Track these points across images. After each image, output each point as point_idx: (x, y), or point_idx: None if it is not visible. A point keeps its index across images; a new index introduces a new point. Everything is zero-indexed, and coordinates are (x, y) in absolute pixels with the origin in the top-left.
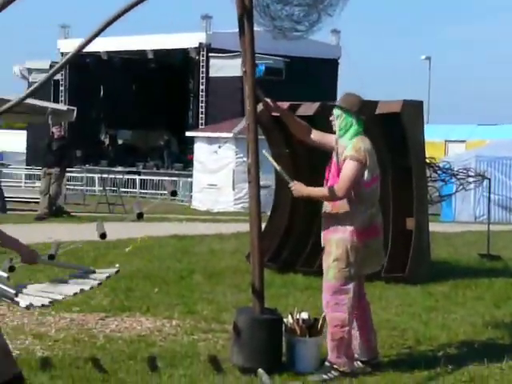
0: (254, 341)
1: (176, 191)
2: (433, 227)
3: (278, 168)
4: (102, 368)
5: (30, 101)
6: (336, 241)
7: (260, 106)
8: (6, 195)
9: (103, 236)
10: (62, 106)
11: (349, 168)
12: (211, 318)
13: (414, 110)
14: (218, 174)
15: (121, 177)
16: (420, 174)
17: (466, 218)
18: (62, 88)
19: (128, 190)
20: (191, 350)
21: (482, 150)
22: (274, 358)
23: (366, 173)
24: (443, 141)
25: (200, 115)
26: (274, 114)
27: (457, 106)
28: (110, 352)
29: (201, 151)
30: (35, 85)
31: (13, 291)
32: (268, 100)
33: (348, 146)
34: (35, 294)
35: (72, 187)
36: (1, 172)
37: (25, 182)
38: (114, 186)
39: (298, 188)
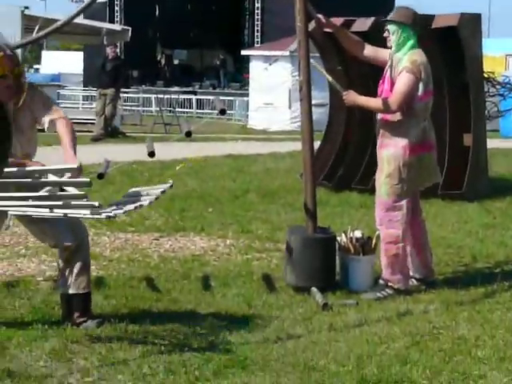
0: (307, 260)
1: (225, 109)
2: (491, 143)
3: (330, 78)
4: (156, 287)
5: (84, 21)
6: (388, 156)
7: (312, 23)
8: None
9: (152, 154)
10: (116, 26)
11: (403, 81)
12: (265, 237)
13: (471, 23)
14: (274, 93)
15: (177, 97)
16: (477, 90)
17: None
18: (117, 8)
19: (184, 110)
20: (245, 269)
21: None
22: (328, 277)
23: (420, 86)
24: (504, 55)
25: (256, 33)
26: (326, 30)
27: None
28: (163, 271)
29: (256, 70)
30: (83, 4)
31: (95, 203)
32: (320, 16)
33: (403, 58)
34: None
35: (129, 108)
36: (58, 93)
37: (82, 104)
38: (170, 107)
39: (352, 97)
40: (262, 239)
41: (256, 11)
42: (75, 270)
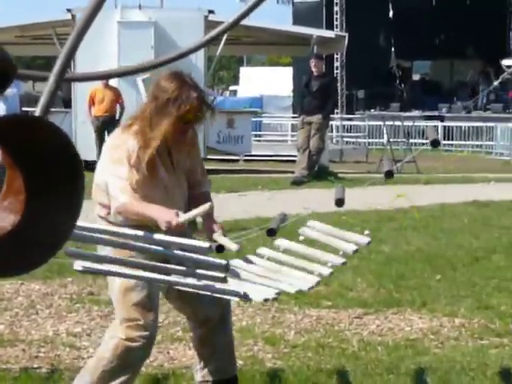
0: None
1: (438, 140)
2: None
3: None
4: None
5: (291, 28)
6: None
7: None
8: (263, 153)
9: (340, 202)
10: (329, 33)
11: None
12: (510, 315)
13: None
14: None
15: (417, 124)
16: None
17: None
18: (336, 8)
19: (426, 141)
20: (476, 360)
21: None
22: None
23: None
24: None
25: None
26: None
27: None
28: (364, 362)
29: None
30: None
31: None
32: None
33: None
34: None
35: (353, 140)
36: (260, 123)
37: (291, 135)
38: (406, 137)
39: None
40: (504, 318)
41: None
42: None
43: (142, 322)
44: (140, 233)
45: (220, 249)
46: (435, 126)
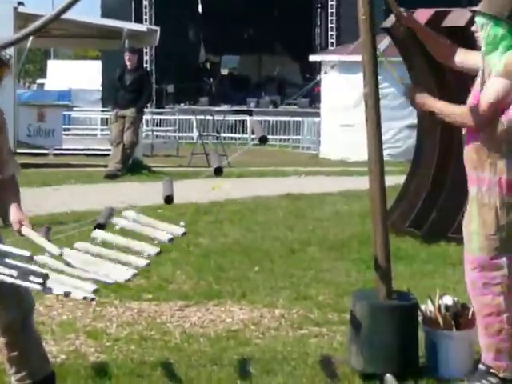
0: (378, 336)
1: (265, 136)
2: None
3: (394, 75)
4: (175, 376)
5: (101, 21)
6: (479, 196)
7: (392, 18)
8: (73, 147)
9: (168, 199)
10: (140, 27)
11: (493, 85)
12: (327, 305)
13: None
14: (356, 112)
15: (226, 118)
16: None
17: None
18: (145, 3)
19: (235, 135)
20: (297, 350)
21: None
22: (407, 360)
23: None
24: None
25: (329, 32)
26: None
27: None
28: (187, 354)
29: (331, 81)
30: None
31: (39, 276)
32: (401, 10)
33: (496, 64)
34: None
35: (163, 134)
36: (69, 117)
37: (101, 129)
38: (216, 131)
39: (421, 99)
40: (323, 308)
41: (330, 2)
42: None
43: None
44: None
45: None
46: (270, 121)
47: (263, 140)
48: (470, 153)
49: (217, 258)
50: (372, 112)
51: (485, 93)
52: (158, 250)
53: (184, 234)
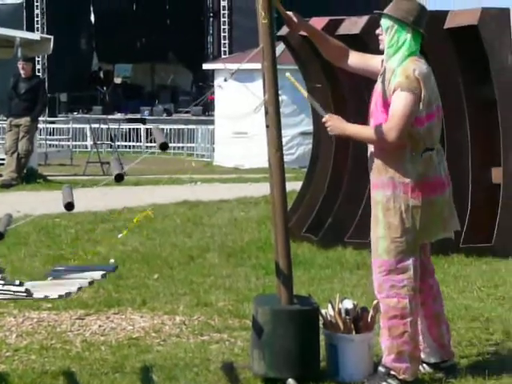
0: (280, 341)
1: (166, 143)
2: None
3: (306, 95)
4: None
5: None
6: (384, 200)
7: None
8: None
9: (69, 206)
10: (33, 35)
11: (399, 102)
12: (228, 311)
13: (497, 21)
14: (249, 119)
15: (119, 126)
16: (508, 107)
17: None
18: (37, 11)
19: (130, 143)
20: (199, 356)
21: None
22: (309, 364)
23: (419, 106)
24: None
25: (222, 41)
26: (302, 33)
27: None
28: (88, 362)
29: (225, 89)
30: None
31: None
32: (290, 14)
33: (397, 71)
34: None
35: (56, 143)
36: None
37: None
38: (110, 140)
39: (335, 123)
40: (223, 314)
41: (222, 11)
42: None
43: None
44: None
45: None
46: (164, 129)
47: (164, 147)
48: (375, 159)
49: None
50: (273, 119)
51: (393, 111)
52: None
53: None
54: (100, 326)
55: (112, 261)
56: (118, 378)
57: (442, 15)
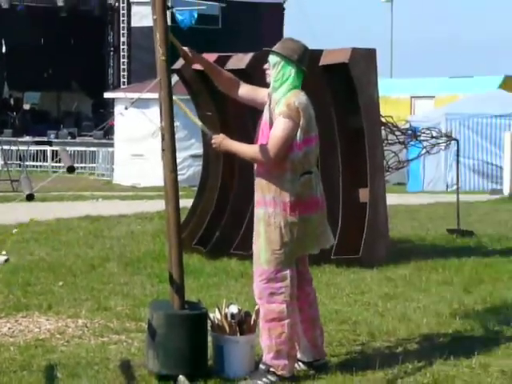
0: (173, 342)
1: (73, 167)
2: (395, 199)
3: (194, 118)
4: None
5: None
6: (266, 217)
7: (181, 60)
8: None
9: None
10: None
11: (279, 126)
12: (125, 314)
13: (365, 60)
14: (145, 143)
15: (28, 148)
16: (374, 136)
17: (440, 187)
18: None
19: (38, 163)
20: (99, 356)
21: (454, 107)
22: (198, 362)
23: (298, 132)
24: (409, 97)
25: (122, 72)
26: (195, 66)
27: (424, 56)
28: None
29: (125, 115)
30: None
31: None
32: (186, 49)
33: (281, 101)
34: None
35: None
36: None
37: None
38: (19, 160)
39: (222, 141)
40: (121, 318)
41: (122, 46)
42: None
43: None
44: None
45: None
46: (69, 151)
47: (71, 170)
48: (260, 179)
49: (24, 274)
50: (168, 144)
51: (272, 134)
52: None
53: (7, 260)
54: (9, 329)
55: (4, 253)
56: (26, 376)
57: (317, 53)
